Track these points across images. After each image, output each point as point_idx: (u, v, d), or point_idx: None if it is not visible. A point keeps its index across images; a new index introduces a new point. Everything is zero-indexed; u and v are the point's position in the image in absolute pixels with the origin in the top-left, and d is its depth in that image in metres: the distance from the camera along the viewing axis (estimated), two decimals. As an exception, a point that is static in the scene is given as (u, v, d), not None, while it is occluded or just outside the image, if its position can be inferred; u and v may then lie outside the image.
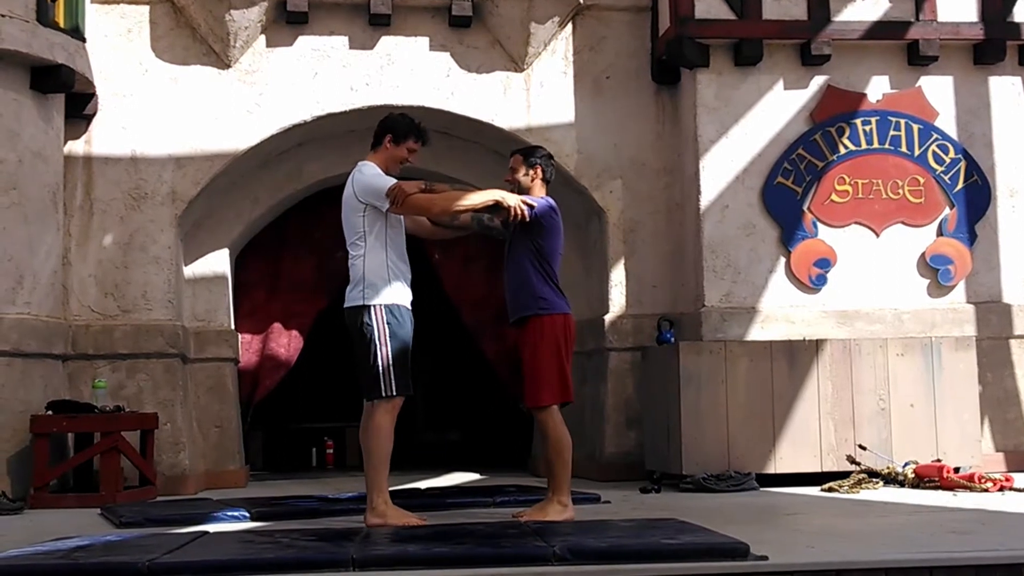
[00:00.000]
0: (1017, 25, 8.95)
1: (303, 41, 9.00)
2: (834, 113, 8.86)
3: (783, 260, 8.76)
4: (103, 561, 4.55)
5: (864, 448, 7.88)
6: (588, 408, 9.27)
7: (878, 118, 8.90)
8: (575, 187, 9.14)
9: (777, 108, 8.85)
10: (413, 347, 5.93)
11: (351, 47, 9.04)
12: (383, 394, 5.77)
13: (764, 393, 7.94)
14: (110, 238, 8.70)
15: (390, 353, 5.77)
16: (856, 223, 8.83)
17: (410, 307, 5.93)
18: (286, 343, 9.74)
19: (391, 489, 5.98)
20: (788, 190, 8.79)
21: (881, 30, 8.85)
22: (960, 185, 8.92)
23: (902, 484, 7.54)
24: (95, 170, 8.74)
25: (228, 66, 8.92)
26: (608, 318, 9.11)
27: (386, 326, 5.78)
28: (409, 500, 6.51)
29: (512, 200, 5.98)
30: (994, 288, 8.91)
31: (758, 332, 8.55)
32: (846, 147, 8.85)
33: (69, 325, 8.46)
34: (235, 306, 9.49)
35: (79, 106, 8.57)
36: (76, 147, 8.71)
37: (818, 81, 8.89)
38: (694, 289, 8.83)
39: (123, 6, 8.87)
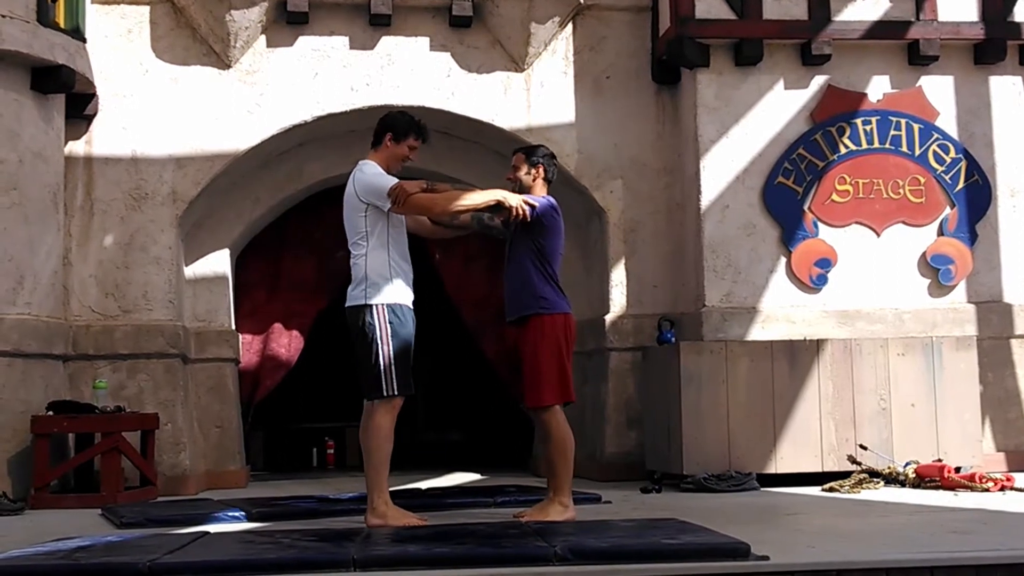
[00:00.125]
0: (1017, 25, 8.95)
1: (303, 41, 9.00)
2: (834, 113, 8.86)
3: (784, 260, 8.76)
4: (104, 562, 4.55)
5: (865, 448, 7.88)
6: (589, 408, 9.27)
7: (879, 118, 8.90)
8: (575, 187, 9.14)
9: (777, 108, 8.85)
10: (414, 347, 5.93)
11: (351, 47, 9.04)
12: (384, 394, 5.77)
13: (765, 393, 7.94)
14: (111, 238, 8.70)
15: (392, 352, 5.76)
16: (857, 223, 8.83)
17: (412, 307, 5.93)
18: (287, 343, 9.74)
19: (392, 489, 5.98)
20: (789, 190, 8.79)
21: (881, 30, 8.85)
22: (961, 185, 8.92)
23: (903, 484, 7.54)
24: (96, 170, 8.74)
25: (228, 66, 8.92)
26: (609, 318, 9.11)
27: (388, 325, 5.77)
28: (410, 500, 6.51)
29: (514, 200, 5.98)
30: (995, 288, 8.91)
31: (759, 332, 8.55)
32: (847, 147, 8.85)
33: (70, 325, 8.46)
34: (236, 306, 9.49)
35: (80, 106, 8.57)
36: (77, 147, 8.72)
37: (818, 81, 8.89)
38: (695, 289, 8.83)
39: (123, 6, 8.87)
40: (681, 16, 8.67)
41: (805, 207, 8.79)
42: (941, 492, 7.19)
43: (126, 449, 7.80)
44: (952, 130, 8.96)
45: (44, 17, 7.96)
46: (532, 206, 6.01)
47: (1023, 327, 8.85)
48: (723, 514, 6.09)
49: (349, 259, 6.00)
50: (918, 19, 8.84)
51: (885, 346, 8.12)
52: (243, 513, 6.46)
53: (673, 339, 8.59)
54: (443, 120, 9.13)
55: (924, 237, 8.87)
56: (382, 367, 5.75)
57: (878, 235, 8.83)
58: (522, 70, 9.17)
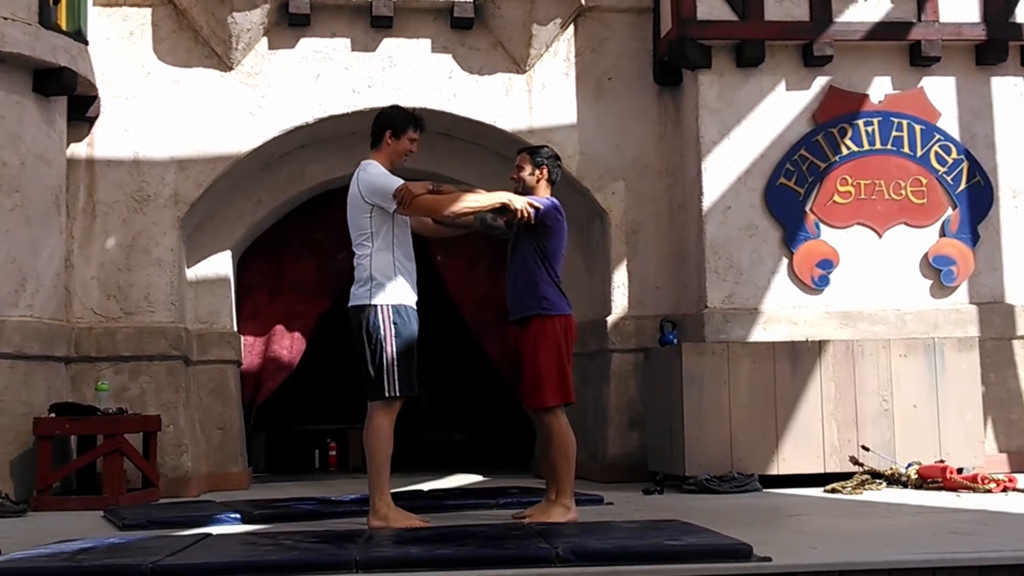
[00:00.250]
0: (1019, 26, 8.94)
1: (305, 43, 9.01)
2: (836, 114, 8.86)
3: (785, 261, 8.75)
4: (106, 563, 4.56)
5: (867, 449, 7.88)
6: (591, 409, 9.27)
7: (880, 119, 8.89)
8: (577, 188, 9.14)
9: (779, 109, 8.84)
10: (417, 348, 5.92)
11: (353, 49, 9.05)
12: (387, 394, 5.76)
13: (767, 394, 7.94)
14: (113, 240, 8.70)
15: (395, 353, 5.75)
16: (858, 224, 8.82)
17: (415, 307, 5.93)
18: (288, 345, 9.74)
19: (393, 491, 5.98)
20: (790, 191, 8.79)
21: (883, 31, 8.85)
22: (962, 186, 8.91)
23: (905, 485, 7.54)
24: (97, 172, 8.75)
25: (230, 68, 8.92)
26: (611, 319, 9.11)
27: (392, 326, 5.76)
28: (412, 502, 6.51)
29: (519, 203, 5.98)
30: (997, 289, 8.90)
31: (760, 333, 8.55)
32: (848, 148, 8.85)
33: (72, 327, 8.46)
34: (237, 308, 9.49)
35: (81, 109, 8.58)
36: (79, 149, 8.72)
37: (820, 82, 8.89)
38: (696, 290, 8.83)
39: (125, 9, 8.88)
40: (682, 17, 8.67)
41: (807, 208, 8.79)
42: (943, 493, 7.20)
43: (128, 451, 7.80)
44: (954, 131, 8.96)
45: (46, 19, 7.97)
46: (537, 208, 6.02)
47: (1025, 328, 8.86)
48: (725, 515, 6.09)
49: (351, 260, 6.00)
50: (920, 20, 8.84)
51: (887, 347, 8.12)
52: (245, 515, 6.46)
53: (675, 340, 8.59)
54: (445, 122, 9.14)
55: (926, 238, 8.86)
56: (385, 367, 5.74)
57: (880, 236, 8.83)
58: (524, 72, 9.18)
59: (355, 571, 4.40)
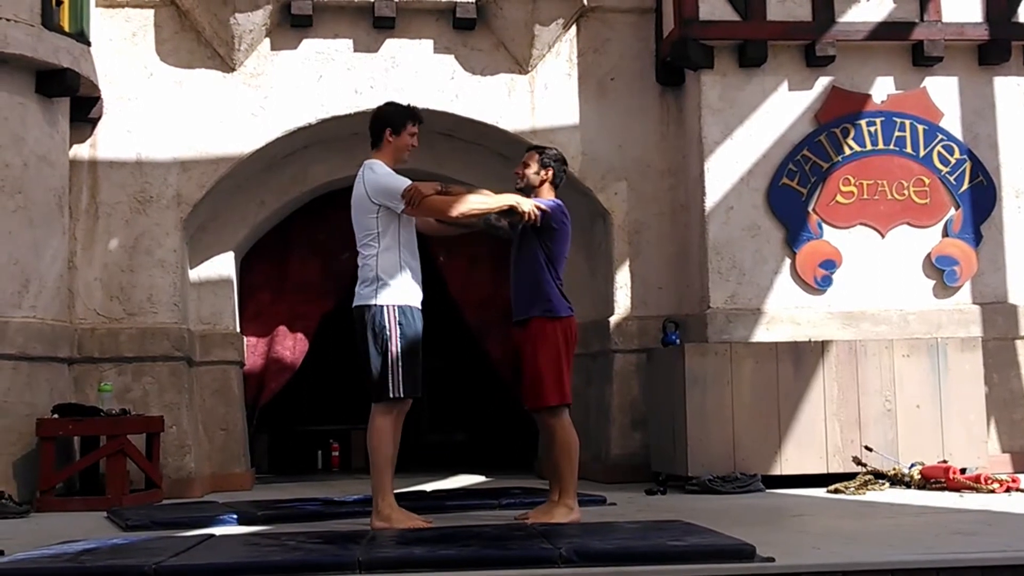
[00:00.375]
0: (1022, 25, 8.94)
1: (307, 44, 9.01)
2: (839, 114, 8.86)
3: (788, 261, 8.75)
4: (110, 564, 4.56)
5: (870, 449, 7.87)
6: (593, 410, 9.28)
7: (883, 119, 8.89)
8: (580, 189, 9.14)
9: (782, 109, 8.84)
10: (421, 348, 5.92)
11: (355, 50, 9.05)
12: (391, 395, 5.75)
13: (770, 394, 7.94)
14: (115, 241, 8.71)
15: (399, 354, 5.74)
16: (861, 224, 8.82)
17: (420, 307, 5.92)
18: (291, 346, 9.74)
19: (396, 491, 5.98)
20: (793, 191, 8.79)
21: (886, 31, 8.85)
22: (965, 186, 8.91)
23: (908, 485, 7.54)
24: (100, 174, 8.76)
25: (233, 69, 8.93)
26: (613, 320, 9.11)
27: (397, 326, 5.75)
28: (414, 502, 6.52)
29: (527, 206, 5.97)
30: (1000, 289, 8.90)
31: (763, 333, 8.55)
32: (851, 148, 8.84)
33: (75, 328, 8.47)
34: (240, 309, 9.50)
35: (84, 110, 8.58)
36: (81, 151, 8.73)
37: (823, 82, 8.89)
38: (699, 291, 8.83)
39: (128, 10, 8.88)
40: (685, 18, 8.67)
41: (809, 208, 8.78)
42: (946, 493, 7.19)
43: (131, 452, 7.81)
44: (957, 131, 8.95)
45: (49, 21, 7.97)
46: (544, 211, 6.02)
47: (1028, 328, 8.85)
48: (728, 516, 6.09)
49: (354, 261, 5.99)
50: (922, 20, 8.83)
51: (890, 347, 8.12)
52: (248, 516, 6.46)
53: (678, 341, 8.59)
54: (447, 122, 9.14)
55: (929, 238, 8.86)
56: (389, 368, 5.73)
57: (883, 236, 8.83)
58: (526, 72, 9.18)
59: (358, 572, 4.40)
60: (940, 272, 8.83)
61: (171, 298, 8.71)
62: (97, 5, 8.71)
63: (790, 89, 8.87)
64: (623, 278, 9.18)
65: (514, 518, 6.16)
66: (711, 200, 8.74)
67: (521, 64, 9.16)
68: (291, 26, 8.95)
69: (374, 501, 5.81)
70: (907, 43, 8.89)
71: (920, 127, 8.91)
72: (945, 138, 8.92)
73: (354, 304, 5.88)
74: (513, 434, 10.94)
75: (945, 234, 8.87)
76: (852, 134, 8.85)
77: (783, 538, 5.13)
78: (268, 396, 9.79)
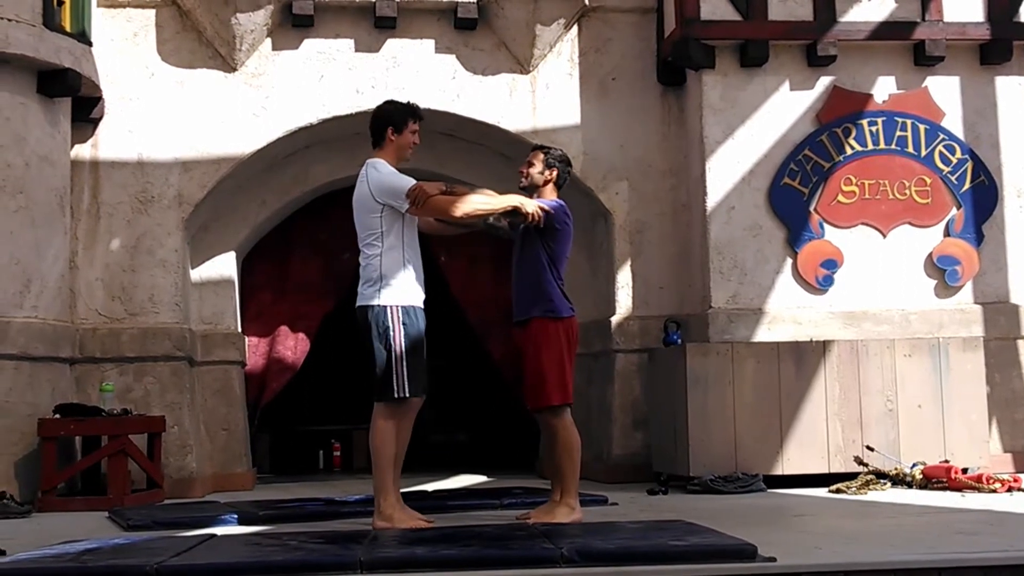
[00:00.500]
0: (1023, 25, 8.94)
1: (309, 44, 9.02)
2: (840, 114, 8.85)
3: (790, 261, 8.75)
4: (111, 564, 4.56)
5: (872, 449, 7.87)
6: (595, 410, 9.27)
7: (884, 119, 8.89)
8: (581, 189, 9.13)
9: (783, 109, 8.84)
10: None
11: (357, 50, 9.05)
12: (395, 395, 5.74)
13: (771, 394, 7.94)
14: (117, 241, 8.71)
15: (404, 353, 5.73)
16: (863, 224, 8.82)
17: (423, 307, 5.92)
18: (293, 345, 9.74)
19: (402, 491, 5.98)
20: (794, 191, 8.78)
21: (887, 30, 8.84)
22: (967, 185, 8.90)
23: (910, 485, 7.53)
24: (102, 174, 8.76)
25: (234, 69, 8.93)
26: (615, 320, 9.11)
27: (401, 326, 5.74)
28: (416, 502, 6.50)
29: (531, 207, 5.97)
30: (1002, 288, 8.89)
31: (765, 333, 8.55)
32: (852, 148, 8.84)
33: (76, 328, 8.47)
34: (242, 309, 9.50)
35: (86, 110, 8.59)
36: (83, 151, 8.73)
37: (824, 82, 8.88)
38: (701, 290, 8.83)
39: (129, 10, 8.89)
40: (686, 17, 8.67)
41: (811, 208, 8.78)
42: (948, 493, 7.19)
43: (133, 452, 7.81)
44: (958, 131, 8.95)
45: (50, 21, 7.97)
46: (547, 212, 6.02)
47: (1030, 328, 8.85)
48: (730, 516, 6.09)
49: (356, 261, 5.97)
50: (924, 20, 8.83)
51: (892, 347, 8.11)
52: (250, 516, 6.46)
53: (679, 340, 8.58)
54: (449, 122, 9.14)
55: (930, 238, 8.86)
56: (394, 368, 5.72)
57: (884, 236, 8.82)
58: (527, 72, 9.18)
59: (360, 572, 4.40)
60: (942, 272, 8.82)
61: (173, 298, 8.71)
62: (98, 5, 8.71)
63: (791, 89, 8.87)
64: (624, 278, 9.18)
65: (516, 518, 6.16)
66: (712, 200, 8.74)
67: (522, 64, 9.16)
68: (292, 26, 8.96)
69: (376, 501, 5.81)
70: (908, 43, 8.89)
71: (922, 127, 8.90)
72: (947, 138, 8.91)
73: (357, 304, 5.86)
74: (515, 434, 10.94)
75: (947, 234, 8.87)
76: (853, 134, 8.85)
77: (785, 538, 5.13)
78: (269, 396, 9.79)
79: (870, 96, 8.90)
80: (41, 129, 8.12)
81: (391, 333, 5.73)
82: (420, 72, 9.06)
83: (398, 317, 5.74)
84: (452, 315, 10.07)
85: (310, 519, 6.51)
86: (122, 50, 8.85)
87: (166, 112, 8.84)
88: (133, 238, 8.73)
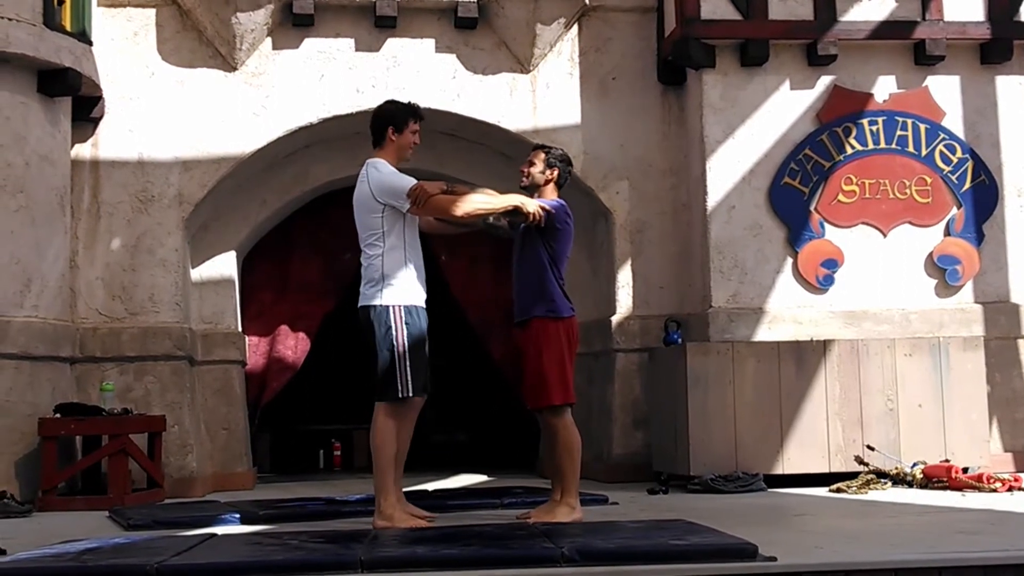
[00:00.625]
0: (1024, 24, 8.95)
1: (309, 43, 9.01)
2: (841, 113, 8.85)
3: (790, 260, 8.75)
4: (112, 563, 4.56)
5: (872, 448, 7.87)
6: (595, 409, 9.27)
7: (885, 118, 8.89)
8: (581, 188, 9.13)
9: (783, 108, 8.84)
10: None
11: (357, 49, 9.05)
12: (399, 395, 5.75)
13: (772, 394, 7.94)
14: (117, 241, 8.71)
15: (407, 353, 5.74)
16: (863, 223, 8.82)
17: (425, 306, 5.92)
18: (293, 345, 9.74)
19: (404, 490, 5.98)
20: (795, 190, 8.78)
21: (887, 30, 8.84)
22: (967, 185, 8.90)
23: (910, 484, 7.53)
24: (102, 173, 8.76)
25: (234, 69, 8.93)
26: (615, 319, 9.11)
27: (404, 326, 5.75)
28: (417, 502, 6.50)
29: (532, 206, 5.97)
30: (1002, 288, 8.89)
31: (765, 333, 8.55)
32: (853, 147, 8.84)
33: (77, 328, 8.47)
34: (242, 308, 9.50)
35: (86, 109, 8.59)
36: (83, 150, 8.73)
37: (824, 81, 8.88)
38: (701, 290, 8.82)
39: (129, 9, 8.89)
40: (687, 17, 8.67)
41: (811, 208, 8.78)
42: (948, 493, 7.19)
43: (133, 451, 7.81)
44: (959, 130, 8.95)
45: (50, 20, 7.97)
46: (547, 211, 6.02)
47: (1031, 327, 8.84)
48: (730, 515, 6.09)
49: (356, 261, 5.98)
50: (924, 19, 8.83)
51: (892, 347, 8.12)
52: (250, 515, 6.46)
53: (680, 340, 8.59)
54: (449, 121, 9.14)
55: (931, 237, 8.86)
56: (397, 368, 5.73)
57: (885, 235, 8.82)
58: (528, 71, 9.17)
59: (360, 571, 4.40)
60: (942, 271, 8.82)
61: (173, 297, 8.71)
62: (99, 5, 8.71)
63: (792, 88, 8.87)
64: (625, 277, 9.18)
65: (516, 517, 6.16)
66: (713, 199, 8.74)
67: (523, 63, 9.16)
68: (293, 25, 8.95)
69: (376, 500, 5.81)
70: (909, 42, 8.88)
71: (922, 126, 8.90)
72: (947, 137, 8.91)
73: (359, 304, 5.87)
74: (515, 434, 10.93)
75: (947, 233, 8.86)
76: (854, 133, 8.84)
77: (785, 537, 5.13)
78: (270, 395, 9.79)
79: (870, 95, 8.90)
80: (41, 128, 8.12)
81: (394, 333, 5.73)
82: (420, 71, 9.06)
83: (400, 317, 5.75)
84: (453, 315, 10.06)
85: (311, 519, 6.51)
86: (122, 49, 8.85)
87: (166, 111, 8.84)
88: (133, 237, 8.73)
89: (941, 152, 8.90)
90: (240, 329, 9.35)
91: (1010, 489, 7.18)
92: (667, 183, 9.26)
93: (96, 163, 8.75)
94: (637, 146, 9.25)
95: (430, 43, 9.11)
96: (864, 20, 8.80)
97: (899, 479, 7.62)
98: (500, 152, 9.42)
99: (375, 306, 5.78)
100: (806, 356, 8.02)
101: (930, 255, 8.84)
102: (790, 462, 7.89)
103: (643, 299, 9.17)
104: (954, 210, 8.87)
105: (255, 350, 9.66)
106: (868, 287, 8.75)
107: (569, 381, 6.07)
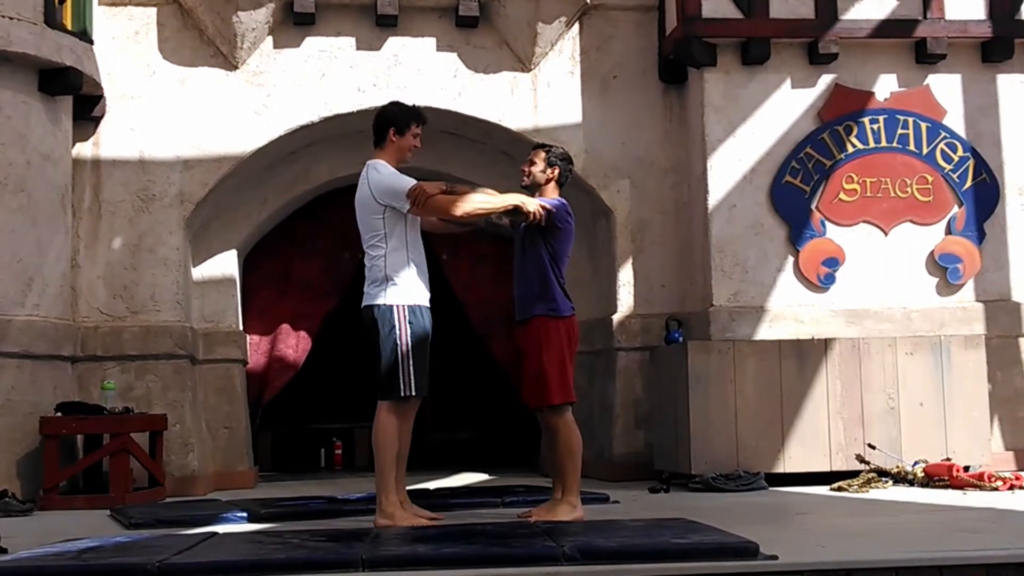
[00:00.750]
0: (1025, 22, 8.94)
1: (310, 42, 9.01)
2: (842, 112, 8.85)
3: (791, 259, 8.75)
4: (113, 562, 4.57)
5: (873, 447, 7.87)
6: (597, 408, 9.27)
7: (886, 117, 8.88)
8: (583, 187, 9.13)
9: (785, 107, 8.83)
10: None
11: (358, 48, 9.05)
12: (402, 394, 5.77)
13: (773, 392, 7.94)
14: (119, 240, 8.71)
15: (410, 352, 5.76)
16: (864, 222, 8.81)
17: (428, 306, 5.94)
18: (294, 344, 9.75)
19: (407, 489, 5.98)
20: (796, 189, 8.78)
21: (889, 28, 8.83)
22: (969, 183, 8.90)
23: (912, 483, 7.53)
24: (103, 172, 8.76)
25: (235, 67, 8.93)
26: (616, 318, 9.11)
27: (408, 326, 5.77)
28: (418, 501, 6.50)
29: (532, 206, 5.98)
30: (1003, 286, 8.89)
31: (766, 331, 8.54)
32: (854, 146, 8.84)
33: (78, 327, 8.47)
34: (243, 307, 9.50)
35: (87, 108, 8.59)
36: (84, 149, 8.73)
37: (826, 80, 8.88)
38: (702, 288, 8.82)
39: (130, 8, 8.89)
40: (688, 15, 8.67)
41: (813, 206, 8.77)
42: (950, 491, 7.19)
43: (135, 450, 7.81)
44: (960, 129, 8.94)
45: (51, 19, 7.98)
46: (548, 211, 6.02)
47: (1032, 326, 8.84)
48: (732, 514, 6.09)
49: (357, 260, 6.00)
50: (925, 17, 8.82)
51: (893, 345, 8.11)
52: (252, 514, 6.46)
53: (681, 339, 8.59)
54: (450, 120, 9.14)
55: (932, 236, 8.85)
56: (400, 367, 5.75)
57: (886, 234, 8.82)
58: (529, 70, 9.17)
59: (361, 569, 4.40)
60: (943, 270, 8.82)
61: (174, 296, 8.72)
62: (100, 3, 8.71)
63: (793, 87, 8.86)
64: (626, 276, 9.18)
65: (517, 516, 6.17)
66: (714, 198, 8.74)
67: (524, 62, 9.16)
68: (294, 24, 8.95)
69: (378, 499, 5.82)
70: (910, 41, 8.88)
71: (923, 125, 8.90)
72: (948, 136, 8.91)
73: (363, 304, 5.90)
74: (517, 432, 10.93)
75: (948, 232, 8.86)
76: (855, 132, 8.84)
77: (787, 536, 5.13)
78: (271, 394, 9.79)
79: (871, 94, 8.90)
80: (43, 127, 8.12)
81: (397, 332, 5.76)
82: (421, 70, 9.06)
83: (404, 316, 5.78)
84: (454, 314, 10.06)
85: (312, 517, 6.51)
86: (123, 48, 8.85)
87: (167, 110, 8.84)
88: (135, 236, 8.73)
89: (942, 151, 8.90)
90: (241, 328, 9.36)
91: (1011, 488, 7.18)
92: (668, 182, 9.26)
93: (97, 162, 8.76)
94: (638, 145, 9.25)
95: (431, 42, 9.11)
96: (865, 19, 8.80)
97: (900, 478, 7.61)
98: (501, 151, 9.42)
99: (379, 306, 5.80)
100: (807, 355, 8.02)
101: (931, 254, 8.83)
102: (791, 461, 7.89)
103: (644, 298, 9.17)
104: (955, 209, 8.87)
105: (256, 349, 9.66)
106: (869, 286, 8.75)
107: (570, 380, 6.07)
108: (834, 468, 7.86)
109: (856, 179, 8.81)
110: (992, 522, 5.59)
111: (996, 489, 7.14)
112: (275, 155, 9.20)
